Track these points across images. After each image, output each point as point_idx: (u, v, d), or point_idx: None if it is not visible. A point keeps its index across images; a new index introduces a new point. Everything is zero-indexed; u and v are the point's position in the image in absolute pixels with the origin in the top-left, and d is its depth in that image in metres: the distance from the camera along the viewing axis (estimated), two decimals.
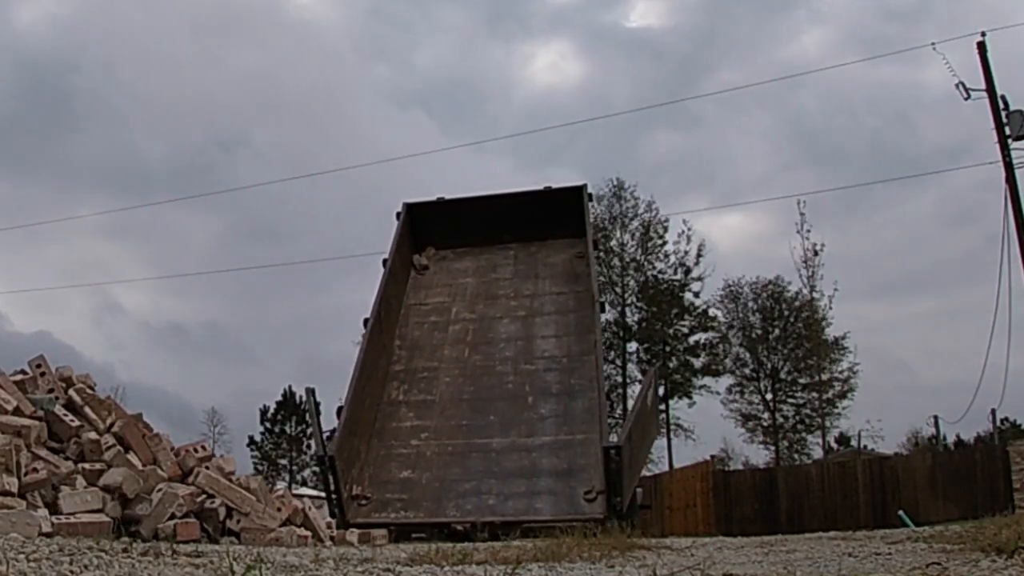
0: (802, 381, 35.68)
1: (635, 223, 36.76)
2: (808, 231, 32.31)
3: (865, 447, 32.05)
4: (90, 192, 62.51)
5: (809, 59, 54.68)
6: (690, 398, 35.84)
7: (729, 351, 36.62)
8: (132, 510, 5.86)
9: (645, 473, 19.73)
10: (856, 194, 60.35)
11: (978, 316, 47.61)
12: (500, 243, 13.86)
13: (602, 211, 35.61)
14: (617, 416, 27.61)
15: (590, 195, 14.30)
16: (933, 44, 18.64)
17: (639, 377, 35.00)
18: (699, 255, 35.76)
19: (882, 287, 53.77)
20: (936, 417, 33.25)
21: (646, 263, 36.52)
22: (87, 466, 5.91)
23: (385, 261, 12.86)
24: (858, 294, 58.09)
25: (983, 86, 17.45)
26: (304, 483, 45.22)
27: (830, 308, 33.15)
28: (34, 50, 61.77)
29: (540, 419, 11.01)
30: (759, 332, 36.38)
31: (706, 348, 36.44)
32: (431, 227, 13.89)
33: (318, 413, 10.82)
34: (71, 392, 6.58)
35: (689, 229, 35.71)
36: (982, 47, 17.45)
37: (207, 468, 6.69)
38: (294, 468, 50.78)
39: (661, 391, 31.73)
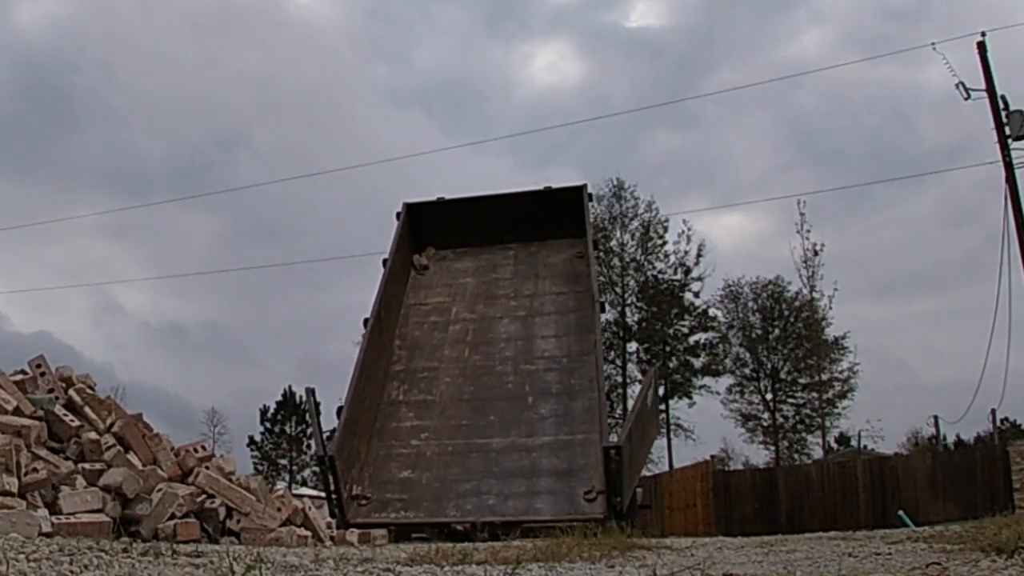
0: (802, 381, 35.71)
1: (635, 223, 36.85)
2: (808, 231, 32.42)
3: (865, 447, 32.09)
4: (90, 192, 62.54)
5: (809, 59, 54.70)
6: (690, 398, 35.92)
7: (729, 351, 36.67)
8: (132, 510, 5.86)
9: (645, 473, 19.73)
10: (856, 194, 60.35)
11: (978, 316, 47.66)
12: (500, 243, 13.86)
13: (602, 211, 35.68)
14: (617, 416, 27.61)
15: (590, 195, 14.29)
16: (933, 44, 18.65)
17: (639, 377, 35.02)
18: (699, 255, 35.85)
19: (882, 287, 53.86)
20: (936, 417, 33.34)
21: (646, 263, 36.57)
22: (87, 466, 5.91)
23: (385, 261, 12.86)
24: (858, 294, 58.20)
25: (983, 86, 17.46)
26: (304, 483, 45.25)
27: (830, 308, 33.26)
28: (33, 50, 61.77)
29: (540, 419, 11.01)
30: (759, 332, 36.40)
31: (706, 348, 36.46)
32: (431, 227, 13.89)
33: (318, 413, 10.82)
34: (71, 392, 6.57)
35: (689, 229, 35.81)
36: (982, 47, 17.46)
37: (207, 468, 6.69)
38: (294, 468, 50.83)
39: (661, 391, 31.74)
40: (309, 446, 45.31)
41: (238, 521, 6.39)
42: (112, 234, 66.95)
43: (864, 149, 50.00)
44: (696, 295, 36.36)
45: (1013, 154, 17.02)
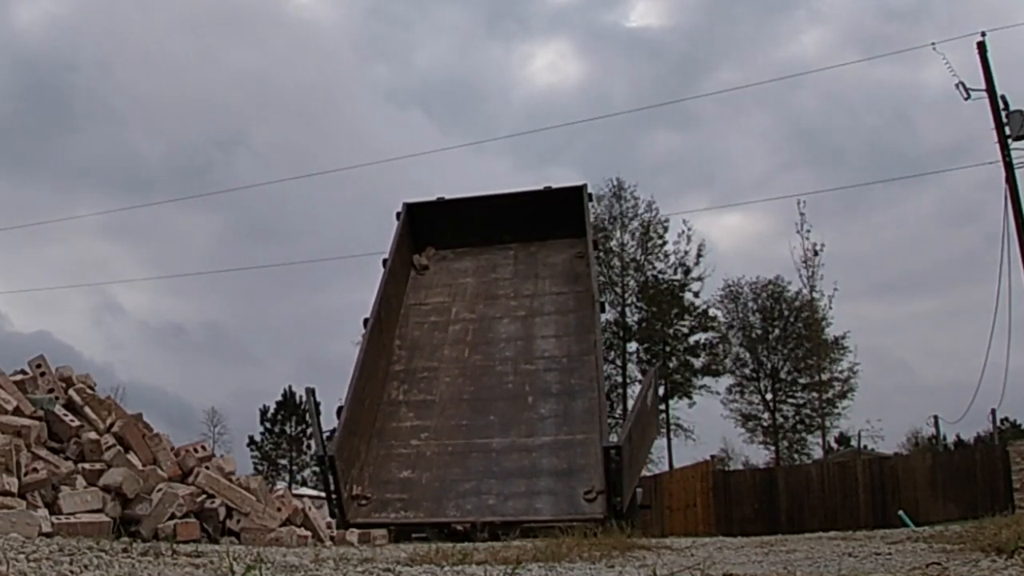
0: (802, 381, 35.71)
1: (635, 223, 36.83)
2: (808, 231, 32.44)
3: (865, 447, 32.10)
4: (89, 192, 62.56)
5: (809, 59, 54.64)
6: (690, 398, 35.90)
7: (729, 351, 36.66)
8: (132, 510, 5.86)
9: (645, 473, 19.73)
10: (856, 194, 60.32)
11: (978, 316, 47.52)
12: (500, 243, 13.86)
13: (602, 211, 35.67)
14: (617, 416, 27.63)
15: (590, 195, 14.29)
16: (933, 44, 18.67)
17: (639, 377, 35.02)
18: (699, 255, 35.84)
19: (882, 287, 53.84)
20: (936, 417, 33.36)
21: (646, 263, 36.56)
22: (87, 466, 5.91)
23: (385, 261, 12.87)
24: (858, 294, 58.17)
25: (983, 86, 17.46)
26: (304, 483, 45.25)
27: (830, 308, 33.27)
28: (33, 50, 61.80)
29: (540, 419, 11.01)
30: (759, 332, 36.40)
31: (706, 348, 36.45)
32: (431, 227, 13.89)
33: (318, 413, 10.82)
34: (71, 392, 6.57)
35: (689, 229, 35.80)
36: (982, 47, 17.46)
37: (207, 468, 6.69)
38: (294, 468, 50.82)
39: (661, 391, 31.74)
40: (309, 446, 45.32)
41: (238, 521, 6.39)
42: (112, 234, 67.02)
43: (864, 149, 50.05)
44: (696, 295, 36.41)
45: (1013, 154, 17.03)
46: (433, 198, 14.24)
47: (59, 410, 6.24)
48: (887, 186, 59.28)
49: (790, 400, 36.08)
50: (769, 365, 36.21)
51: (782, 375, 36.05)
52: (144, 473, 6.13)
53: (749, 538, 7.44)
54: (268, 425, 51.72)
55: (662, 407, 32.24)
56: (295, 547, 5.95)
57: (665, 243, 36.29)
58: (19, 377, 6.45)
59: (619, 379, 35.69)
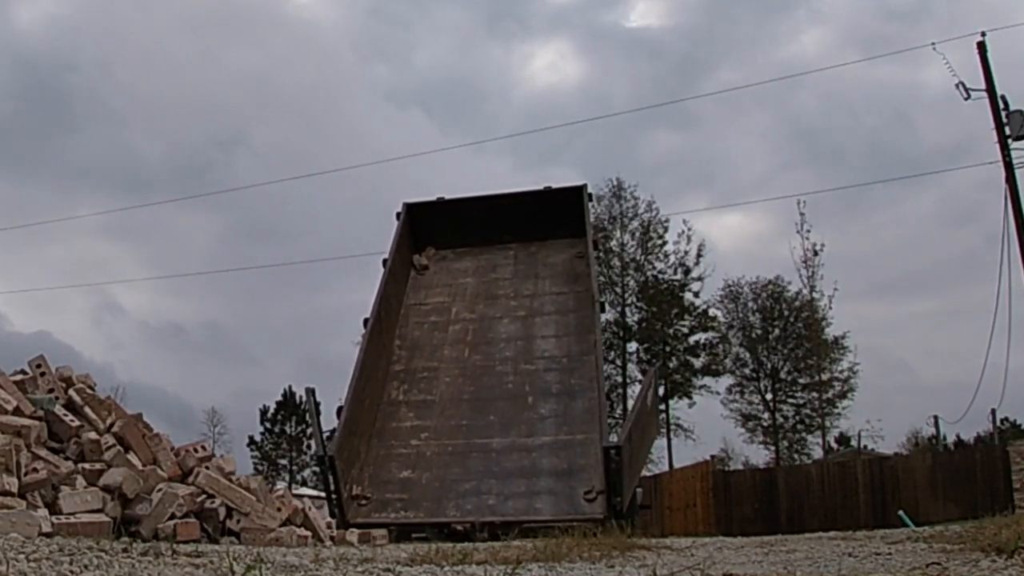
0: (802, 381, 35.71)
1: (635, 223, 36.83)
2: (808, 231, 32.43)
3: (865, 447, 32.10)
4: (89, 192, 62.57)
5: (809, 59, 54.66)
6: (690, 398, 35.90)
7: (729, 351, 36.65)
8: (132, 510, 5.86)
9: (645, 473, 19.72)
10: (856, 194, 60.33)
11: (978, 316, 47.55)
12: (500, 243, 13.86)
13: (602, 211, 35.66)
14: (617, 416, 27.63)
15: (590, 195, 14.30)
16: (933, 44, 18.67)
17: (639, 377, 35.02)
18: (699, 255, 35.83)
19: (882, 287, 53.85)
20: (936, 417, 33.36)
21: (646, 263, 36.56)
22: (87, 466, 5.90)
23: (385, 261, 12.87)
24: (858, 294, 58.17)
25: (983, 86, 17.46)
26: (304, 483, 45.24)
27: (830, 308, 33.26)
28: (32, 50, 61.81)
29: (540, 419, 11.01)
30: (759, 332, 36.40)
31: (706, 348, 36.45)
32: (431, 227, 13.90)
33: (318, 413, 10.83)
34: (71, 392, 6.57)
35: (689, 229, 35.79)
36: (982, 47, 17.46)
37: (207, 468, 6.69)
38: (294, 468, 50.82)
39: (661, 391, 31.74)
40: (309, 446, 45.32)
41: (238, 521, 6.39)
42: (112, 234, 67.04)
43: (864, 149, 50.06)
44: (696, 295, 36.41)
45: (1013, 154, 17.03)
46: (433, 198, 14.24)
47: (59, 410, 6.24)
48: (887, 186, 59.41)
49: (790, 400, 36.09)
50: (769, 365, 36.21)
51: (782, 375, 36.05)
52: (144, 473, 6.13)
53: (749, 538, 7.44)
54: (268, 425, 51.73)
55: (662, 407, 32.24)
56: (295, 547, 5.95)
57: (665, 243, 36.35)
58: (19, 377, 6.45)
59: (619, 379, 35.69)
